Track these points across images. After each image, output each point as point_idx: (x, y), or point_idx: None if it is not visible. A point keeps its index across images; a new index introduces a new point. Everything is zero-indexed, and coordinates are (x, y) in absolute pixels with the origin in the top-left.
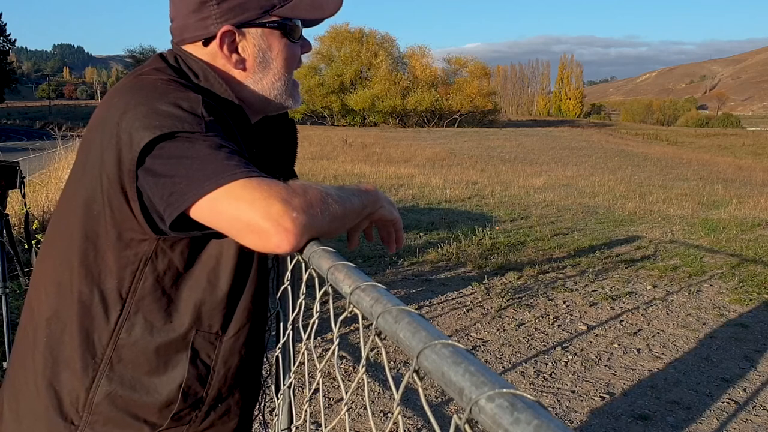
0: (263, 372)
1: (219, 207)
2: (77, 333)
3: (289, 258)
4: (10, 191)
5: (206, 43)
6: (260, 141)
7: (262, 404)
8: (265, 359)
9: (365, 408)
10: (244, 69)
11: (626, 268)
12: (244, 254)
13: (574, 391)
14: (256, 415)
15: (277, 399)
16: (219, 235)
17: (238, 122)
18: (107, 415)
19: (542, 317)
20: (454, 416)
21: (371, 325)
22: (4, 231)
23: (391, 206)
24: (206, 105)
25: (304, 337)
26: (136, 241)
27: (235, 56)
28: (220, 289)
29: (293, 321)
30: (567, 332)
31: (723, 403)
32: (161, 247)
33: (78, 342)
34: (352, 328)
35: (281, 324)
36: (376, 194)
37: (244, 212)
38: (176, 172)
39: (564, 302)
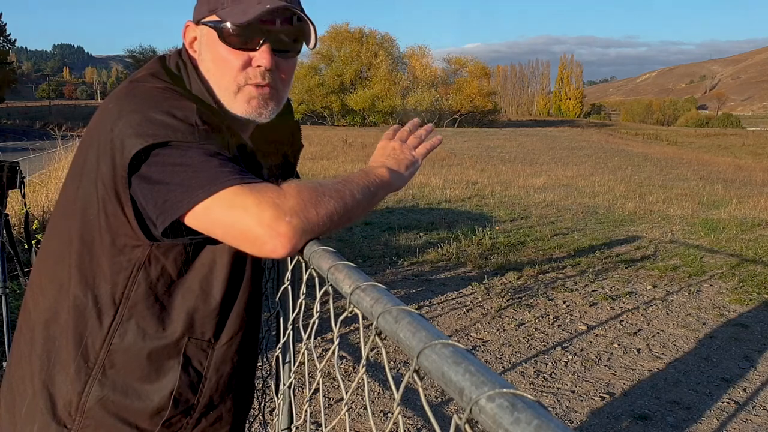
0: (263, 372)
1: (213, 215)
2: (72, 336)
3: (289, 258)
4: (10, 191)
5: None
6: (262, 141)
7: (262, 404)
8: (265, 359)
9: (365, 408)
10: (201, 65)
11: (626, 268)
12: (238, 263)
13: (574, 391)
14: (257, 415)
15: (277, 399)
16: (212, 243)
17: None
18: (99, 419)
19: (542, 317)
20: (454, 416)
21: (371, 325)
22: (4, 231)
23: (404, 175)
24: (200, 114)
25: (304, 337)
26: (129, 247)
27: (191, 51)
28: (213, 297)
29: (293, 321)
30: (567, 332)
31: (723, 403)
32: (154, 254)
33: (72, 345)
34: (352, 328)
35: (281, 324)
36: (383, 180)
37: (237, 220)
38: (171, 180)
39: (564, 302)
